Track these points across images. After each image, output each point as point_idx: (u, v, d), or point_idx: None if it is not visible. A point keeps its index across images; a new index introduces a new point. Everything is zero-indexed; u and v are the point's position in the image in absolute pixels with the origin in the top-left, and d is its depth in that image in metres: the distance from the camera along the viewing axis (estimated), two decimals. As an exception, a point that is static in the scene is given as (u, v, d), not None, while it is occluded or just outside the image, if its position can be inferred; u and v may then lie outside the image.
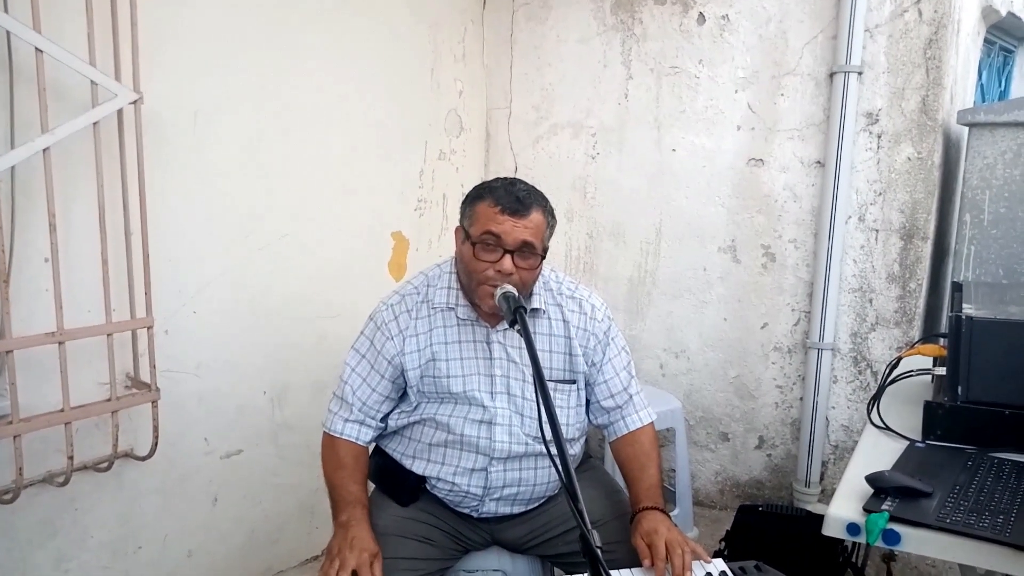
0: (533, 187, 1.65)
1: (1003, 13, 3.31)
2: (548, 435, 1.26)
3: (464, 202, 1.67)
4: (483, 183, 1.67)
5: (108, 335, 1.96)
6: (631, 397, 1.78)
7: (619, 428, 1.78)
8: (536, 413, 1.63)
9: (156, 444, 2.09)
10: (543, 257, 1.63)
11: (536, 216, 1.60)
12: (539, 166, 3.26)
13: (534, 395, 1.59)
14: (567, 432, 1.73)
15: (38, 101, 1.74)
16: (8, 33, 1.71)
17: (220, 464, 2.39)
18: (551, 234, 1.67)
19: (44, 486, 1.94)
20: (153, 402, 2.06)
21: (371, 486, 1.75)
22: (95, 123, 1.86)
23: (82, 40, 1.83)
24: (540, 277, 1.70)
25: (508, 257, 1.56)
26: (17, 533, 1.94)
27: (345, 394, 1.72)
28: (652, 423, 1.80)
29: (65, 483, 1.92)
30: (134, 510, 2.18)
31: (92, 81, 1.84)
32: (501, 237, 1.56)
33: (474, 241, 1.58)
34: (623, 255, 3.18)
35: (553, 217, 1.67)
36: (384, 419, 1.75)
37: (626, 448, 1.76)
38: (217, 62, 2.22)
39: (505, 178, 1.66)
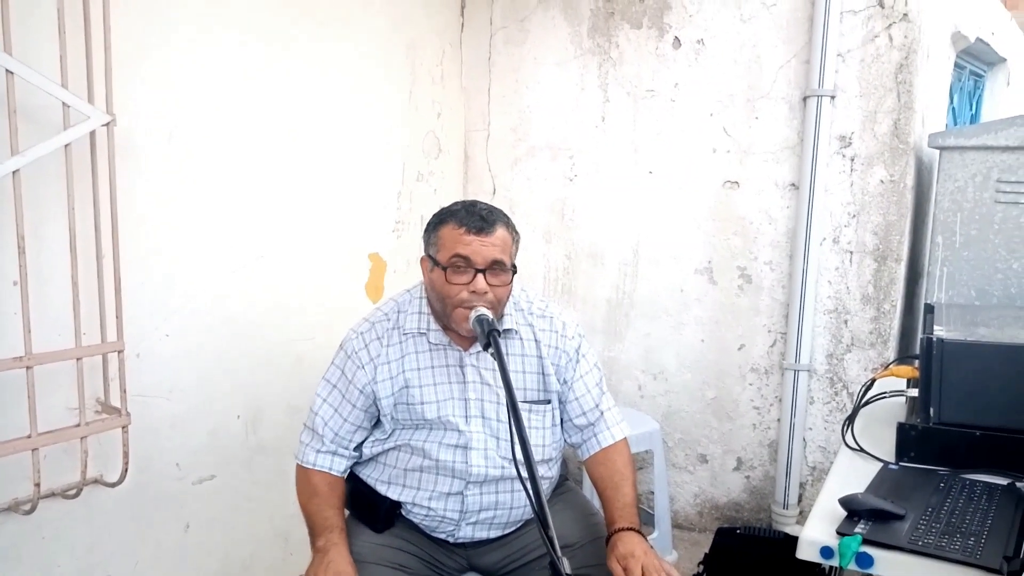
0: (493, 206, 1.65)
1: (972, 39, 3.37)
2: (521, 462, 1.25)
3: (426, 231, 1.66)
4: (442, 209, 1.66)
5: (78, 359, 1.93)
6: (602, 413, 1.77)
7: (591, 446, 1.77)
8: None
9: (126, 470, 2.05)
10: (514, 272, 1.63)
11: (501, 232, 1.60)
12: (517, 188, 3.26)
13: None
14: (543, 453, 1.72)
15: (8, 123, 1.72)
16: (-22, 55, 1.69)
17: (192, 490, 2.35)
18: (517, 250, 1.67)
19: (9, 514, 1.89)
20: (123, 427, 2.02)
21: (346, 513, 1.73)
22: (67, 145, 1.84)
23: (54, 62, 1.82)
24: (511, 297, 1.70)
25: (480, 277, 1.56)
26: (-19, 562, 1.89)
27: (316, 425, 1.70)
28: (626, 439, 1.78)
29: (31, 511, 1.88)
30: (103, 538, 2.14)
31: (64, 103, 1.83)
32: (470, 258, 1.56)
33: (444, 266, 1.58)
34: (601, 276, 3.19)
35: (517, 232, 1.67)
36: (358, 448, 1.73)
37: (599, 467, 1.74)
38: (192, 84, 2.21)
39: (464, 201, 1.67)
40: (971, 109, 4.12)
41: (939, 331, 1.75)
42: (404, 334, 1.69)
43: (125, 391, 2.02)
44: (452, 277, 1.57)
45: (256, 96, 2.39)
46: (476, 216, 1.59)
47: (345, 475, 1.74)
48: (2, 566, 1.93)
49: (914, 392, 1.79)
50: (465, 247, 1.56)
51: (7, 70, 1.70)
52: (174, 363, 2.25)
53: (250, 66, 2.37)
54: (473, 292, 1.55)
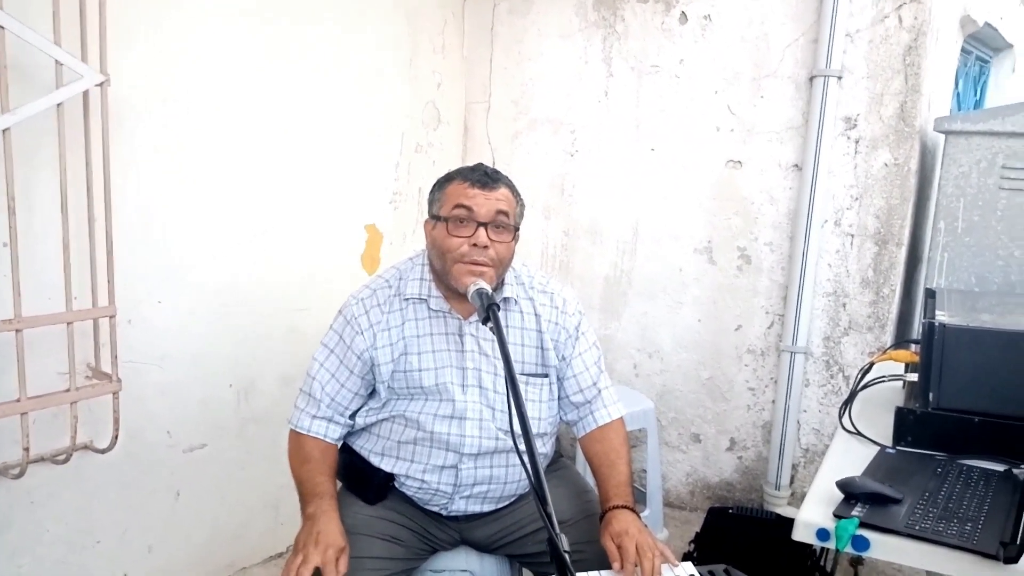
0: (500, 171, 1.66)
1: (980, 23, 3.33)
2: (519, 435, 1.23)
3: (431, 193, 1.67)
4: (447, 172, 1.67)
5: (68, 324, 1.90)
6: (600, 392, 1.76)
7: (588, 423, 1.76)
8: (507, 407, 1.61)
9: (117, 436, 2.03)
10: (516, 232, 1.62)
11: (505, 191, 1.61)
12: (517, 162, 3.23)
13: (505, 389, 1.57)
14: (539, 427, 1.71)
15: (-1, 80, 1.68)
16: (-32, 8, 1.65)
17: (183, 458, 2.34)
18: (521, 214, 1.67)
19: (-2, 478, 1.88)
20: (114, 393, 2.01)
21: (338, 484, 1.72)
22: (59, 104, 1.80)
23: (47, 19, 1.77)
24: (511, 271, 1.68)
25: (482, 230, 1.55)
26: (-31, 526, 1.88)
27: (313, 390, 1.68)
28: (622, 418, 1.78)
29: (20, 475, 1.87)
30: (92, 504, 2.12)
31: (57, 61, 1.78)
32: (473, 209, 1.56)
33: (446, 218, 1.57)
34: (599, 254, 3.16)
35: (521, 198, 1.67)
36: (352, 416, 1.71)
37: (595, 444, 1.73)
38: (188, 48, 2.17)
39: (468, 165, 1.67)
40: (975, 95, 4.08)
41: (941, 316, 1.74)
42: (405, 300, 1.67)
43: (116, 357, 2.00)
44: (453, 229, 1.56)
45: (252, 64, 2.34)
46: (480, 172, 1.61)
47: (339, 443, 1.72)
48: (-10, 530, 1.92)
49: (913, 377, 1.78)
50: (468, 199, 1.56)
51: (-2, 25, 1.66)
52: (166, 330, 2.23)
53: (246, 33, 2.32)
54: (474, 245, 1.54)
